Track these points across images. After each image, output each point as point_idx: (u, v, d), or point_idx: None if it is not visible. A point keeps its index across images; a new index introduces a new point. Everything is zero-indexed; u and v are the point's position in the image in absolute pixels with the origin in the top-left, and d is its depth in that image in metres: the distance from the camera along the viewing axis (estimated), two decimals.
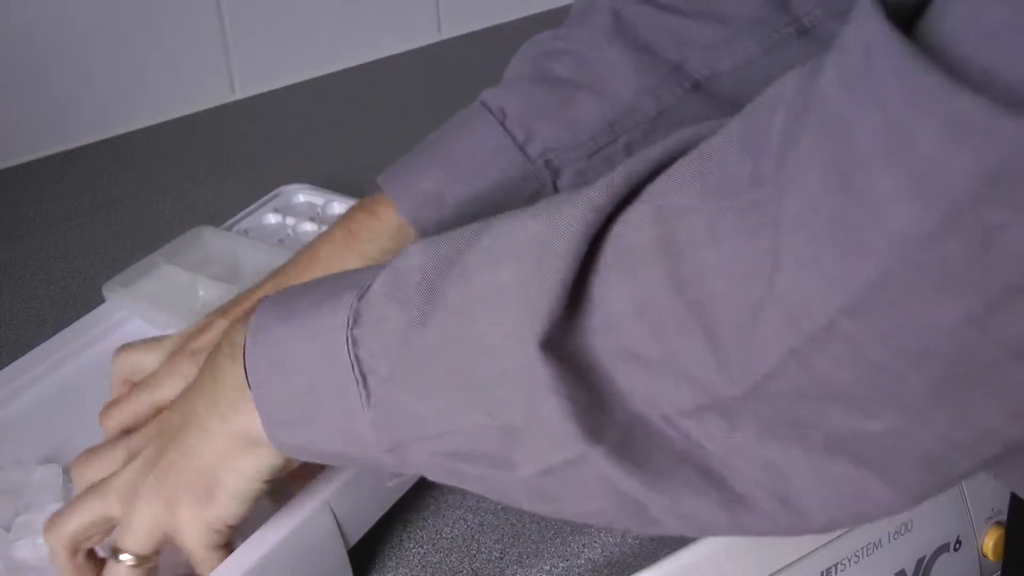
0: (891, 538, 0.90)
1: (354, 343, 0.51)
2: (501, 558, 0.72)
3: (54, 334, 0.87)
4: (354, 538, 0.70)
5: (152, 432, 0.64)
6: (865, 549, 0.89)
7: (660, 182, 0.43)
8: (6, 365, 0.85)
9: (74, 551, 0.63)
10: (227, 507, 0.59)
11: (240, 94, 1.34)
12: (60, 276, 1.02)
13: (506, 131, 0.74)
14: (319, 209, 0.99)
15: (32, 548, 0.68)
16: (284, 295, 0.56)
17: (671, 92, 0.74)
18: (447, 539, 0.74)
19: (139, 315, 0.89)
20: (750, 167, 0.39)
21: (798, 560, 0.85)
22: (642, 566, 0.76)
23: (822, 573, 0.87)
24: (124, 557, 0.61)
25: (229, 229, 0.97)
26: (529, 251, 0.45)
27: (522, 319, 0.45)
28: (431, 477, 0.53)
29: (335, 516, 0.68)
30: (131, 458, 0.62)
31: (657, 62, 0.74)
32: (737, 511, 0.44)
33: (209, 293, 0.88)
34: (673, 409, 0.43)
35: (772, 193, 0.38)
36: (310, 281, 0.57)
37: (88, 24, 1.21)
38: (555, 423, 0.45)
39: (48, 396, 0.83)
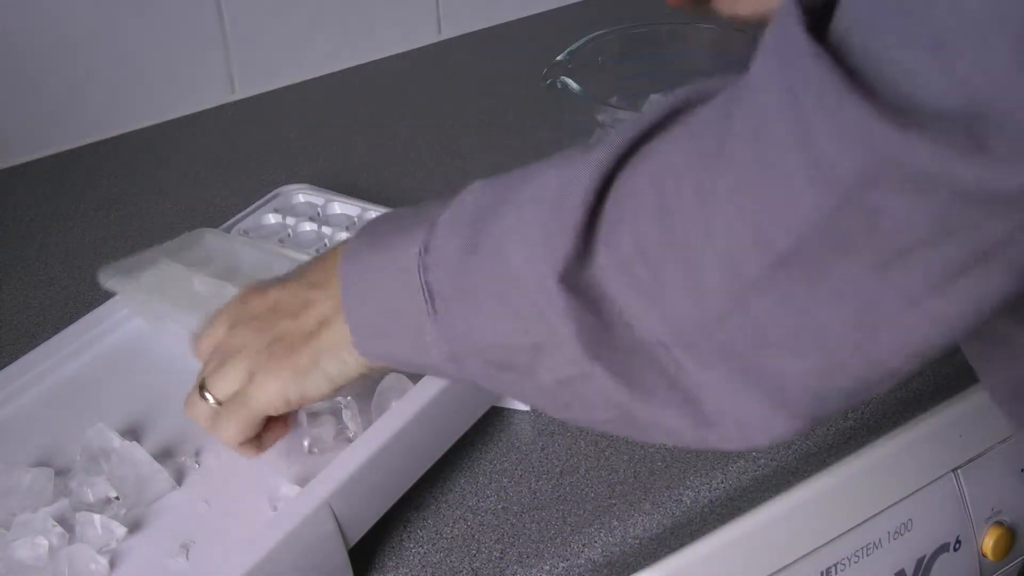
0: (891, 538, 0.90)
1: (424, 269, 0.60)
2: (501, 558, 0.72)
3: (53, 335, 0.87)
4: (354, 538, 0.70)
5: (253, 327, 0.71)
6: (865, 549, 0.89)
7: (656, 144, 0.52)
8: (6, 365, 0.85)
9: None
10: (317, 388, 0.69)
11: (240, 94, 1.33)
12: (60, 276, 1.02)
13: None
14: (319, 209, 0.99)
15: (31, 548, 0.68)
16: (372, 227, 0.66)
17: None
18: (447, 539, 0.74)
19: (133, 305, 0.89)
20: (715, 142, 0.48)
21: (798, 560, 0.86)
22: (642, 566, 0.76)
23: (822, 573, 0.87)
24: (208, 397, 0.72)
25: (229, 229, 0.97)
26: (548, 199, 0.54)
27: (544, 257, 0.53)
28: (480, 383, 0.62)
29: (335, 516, 0.68)
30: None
31: None
32: (704, 430, 0.53)
33: (205, 289, 0.88)
34: (666, 338, 0.51)
35: (724, 166, 0.47)
36: (395, 213, 0.67)
37: (88, 24, 1.21)
38: (568, 343, 0.54)
39: (45, 398, 0.83)
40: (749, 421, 0.51)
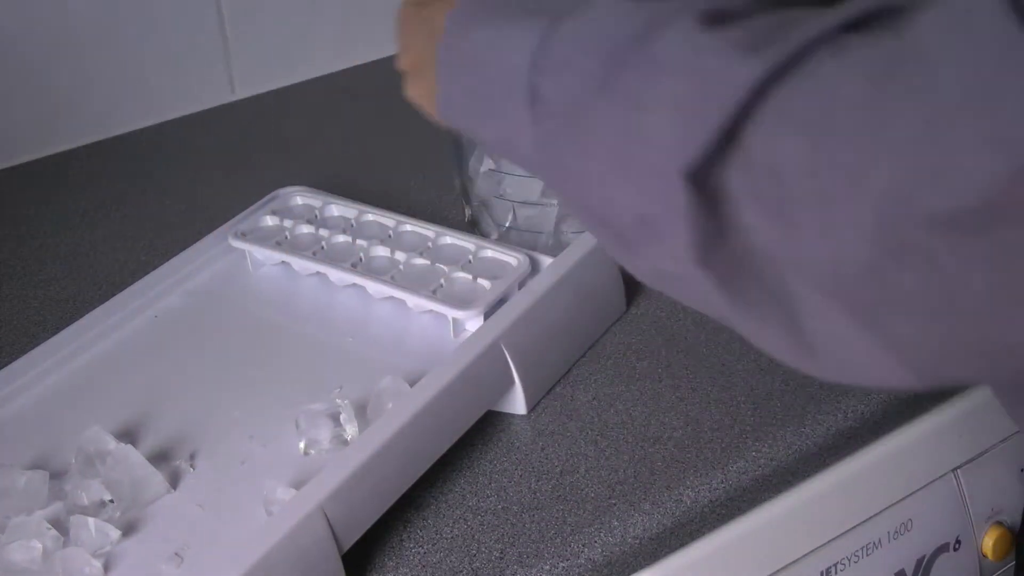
0: (891, 538, 0.90)
1: (537, 70, 0.56)
2: (501, 558, 0.72)
3: (53, 335, 0.87)
4: (348, 543, 0.70)
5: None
6: (865, 549, 0.89)
7: (826, 61, 0.46)
8: (5, 365, 0.85)
9: None
10: None
11: (240, 94, 1.33)
12: (60, 276, 1.02)
13: None
14: (316, 211, 0.99)
15: (26, 551, 0.68)
16: None
17: None
18: (447, 539, 0.74)
19: None
20: (883, 87, 0.44)
21: (798, 560, 0.85)
22: (642, 566, 0.76)
23: (822, 573, 0.87)
24: None
25: (226, 231, 0.97)
26: (702, 80, 0.49)
27: (681, 143, 0.49)
28: (566, 208, 0.60)
29: (328, 521, 0.67)
30: None
31: None
32: (803, 355, 0.50)
33: None
34: (781, 256, 0.48)
35: (893, 115, 0.43)
36: None
37: (88, 24, 1.21)
38: (677, 244, 0.50)
39: (42, 400, 0.84)
40: (855, 365, 0.49)
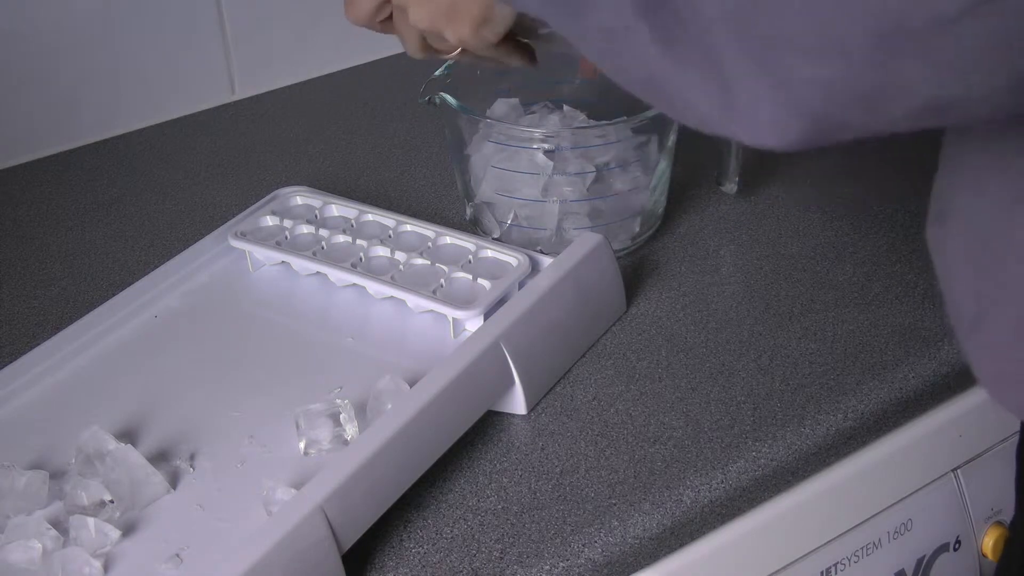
0: (891, 538, 0.90)
1: None
2: (501, 558, 0.72)
3: (53, 335, 0.87)
4: (348, 544, 0.70)
5: None
6: (865, 549, 0.89)
7: None
8: (5, 365, 0.85)
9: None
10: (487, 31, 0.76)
11: (240, 94, 1.33)
12: (60, 276, 1.02)
13: None
14: (316, 211, 0.99)
15: (25, 551, 0.68)
16: None
17: None
18: (447, 539, 0.74)
19: None
20: None
21: (798, 560, 0.85)
22: (642, 566, 0.76)
23: (822, 573, 0.87)
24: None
25: (226, 231, 0.97)
26: None
27: None
28: (537, 13, 0.66)
29: (328, 521, 0.67)
30: None
31: None
32: (725, 115, 0.55)
33: None
34: (719, 16, 0.52)
35: None
36: None
37: (88, 24, 1.20)
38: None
39: (42, 400, 0.84)
40: (765, 118, 0.53)
